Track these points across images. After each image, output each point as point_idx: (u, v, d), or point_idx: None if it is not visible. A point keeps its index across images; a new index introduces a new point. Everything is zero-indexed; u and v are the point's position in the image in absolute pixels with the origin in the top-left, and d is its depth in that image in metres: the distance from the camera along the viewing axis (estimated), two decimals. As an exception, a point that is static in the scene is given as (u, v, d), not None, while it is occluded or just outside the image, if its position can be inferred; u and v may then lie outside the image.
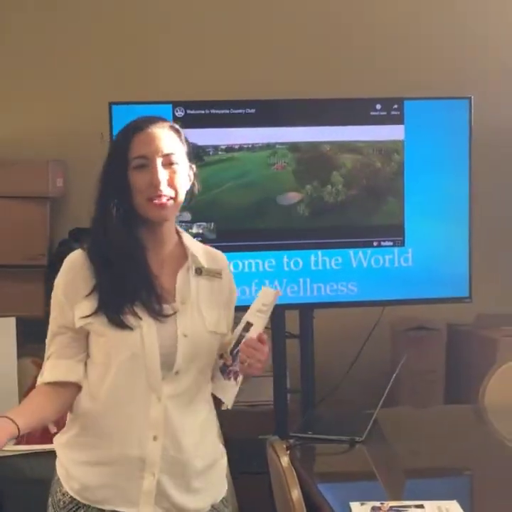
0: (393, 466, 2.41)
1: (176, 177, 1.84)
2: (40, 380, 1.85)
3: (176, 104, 3.26)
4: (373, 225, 3.39)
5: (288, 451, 2.27)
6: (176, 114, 3.24)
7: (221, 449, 1.98)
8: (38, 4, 3.94)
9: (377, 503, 1.95)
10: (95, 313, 1.79)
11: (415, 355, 3.72)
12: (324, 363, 3.56)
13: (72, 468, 1.84)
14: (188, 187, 1.90)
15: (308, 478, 2.22)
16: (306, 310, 3.40)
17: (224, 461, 1.99)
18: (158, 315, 1.80)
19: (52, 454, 1.92)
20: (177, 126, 1.90)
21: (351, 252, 3.37)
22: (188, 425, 1.85)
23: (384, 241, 3.40)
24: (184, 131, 1.91)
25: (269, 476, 2.39)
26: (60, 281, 1.85)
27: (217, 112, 3.28)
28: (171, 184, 1.83)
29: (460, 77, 3.92)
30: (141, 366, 1.80)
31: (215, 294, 1.92)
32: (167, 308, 1.82)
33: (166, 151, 1.83)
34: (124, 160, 1.82)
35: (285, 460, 2.19)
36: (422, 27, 4.05)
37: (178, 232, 1.94)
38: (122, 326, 1.78)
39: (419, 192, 3.41)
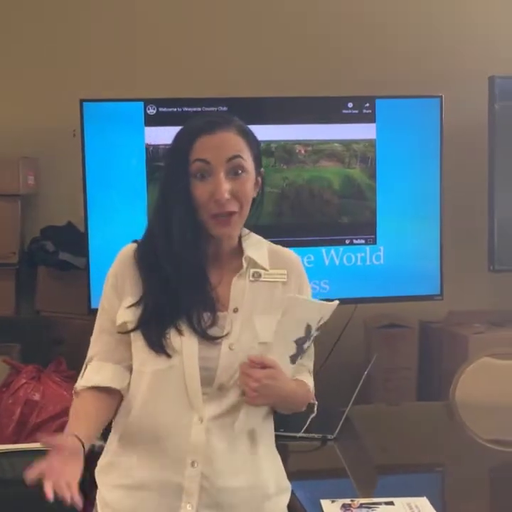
0: (364, 463, 2.42)
1: (241, 188, 1.64)
2: (81, 382, 1.67)
3: (147, 102, 3.24)
4: (345, 223, 3.40)
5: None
6: (148, 111, 3.23)
7: (280, 485, 1.75)
8: (7, 1, 3.91)
9: (348, 500, 1.95)
10: (135, 328, 1.64)
11: (388, 352, 3.75)
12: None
13: (107, 494, 1.67)
14: (254, 195, 1.71)
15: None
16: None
17: (282, 498, 1.75)
18: (203, 336, 1.62)
19: (23, 453, 1.88)
20: (245, 127, 1.69)
21: (323, 250, 3.38)
22: (233, 453, 1.64)
23: (356, 239, 3.41)
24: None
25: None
26: (111, 272, 1.71)
27: (189, 109, 3.27)
28: (236, 196, 1.64)
29: (431, 76, 3.94)
30: (179, 379, 1.62)
31: (277, 300, 1.69)
32: (218, 324, 1.64)
33: (230, 155, 1.63)
34: (184, 163, 1.63)
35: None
36: (394, 26, 4.07)
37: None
38: (161, 350, 1.62)
39: (391, 190, 3.43)
